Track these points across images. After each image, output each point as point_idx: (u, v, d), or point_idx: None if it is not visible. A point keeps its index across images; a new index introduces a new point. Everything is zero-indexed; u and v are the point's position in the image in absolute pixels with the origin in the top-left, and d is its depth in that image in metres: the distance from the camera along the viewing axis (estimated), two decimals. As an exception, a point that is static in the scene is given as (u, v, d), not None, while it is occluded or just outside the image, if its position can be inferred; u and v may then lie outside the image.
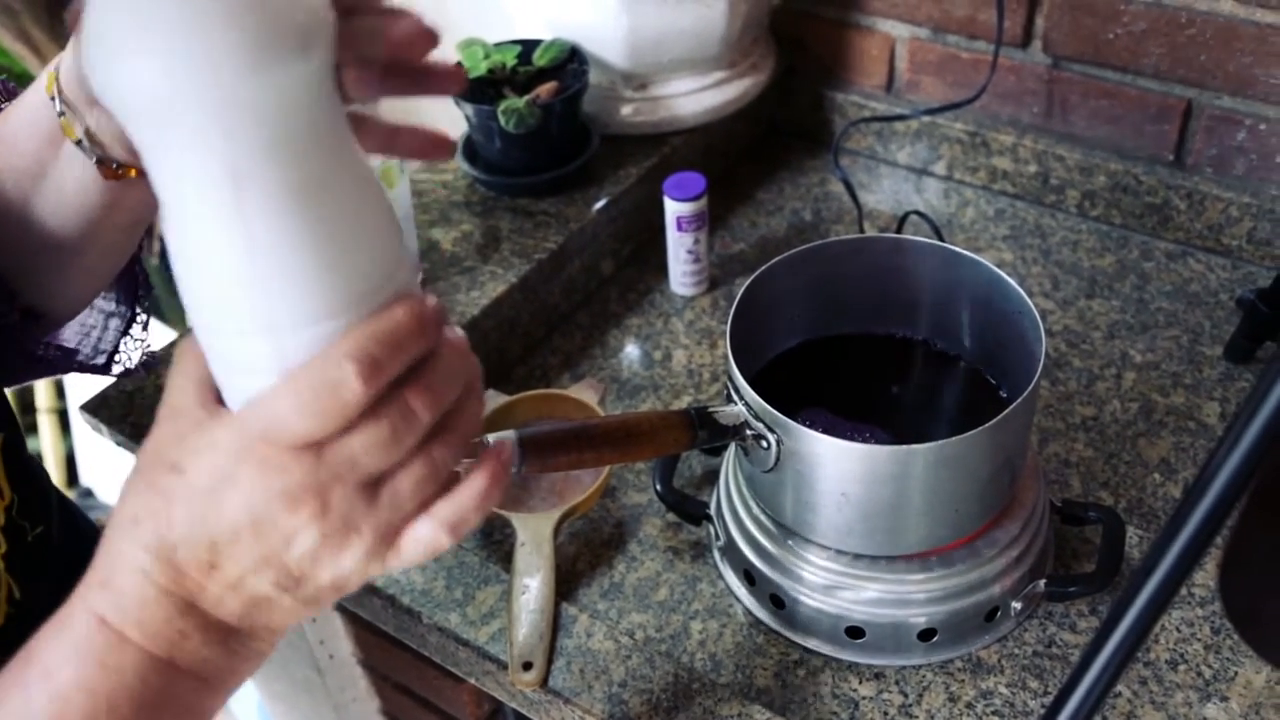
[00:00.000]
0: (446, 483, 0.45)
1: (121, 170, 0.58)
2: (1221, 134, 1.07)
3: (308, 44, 0.41)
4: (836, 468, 0.72)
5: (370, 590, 0.84)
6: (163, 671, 0.45)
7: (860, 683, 0.77)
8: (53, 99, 0.55)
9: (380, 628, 0.88)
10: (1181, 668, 0.77)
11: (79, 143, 0.56)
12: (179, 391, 0.45)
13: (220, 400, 0.45)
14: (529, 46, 1.11)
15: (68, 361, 0.69)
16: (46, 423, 1.98)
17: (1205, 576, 0.82)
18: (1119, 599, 0.43)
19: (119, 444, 0.90)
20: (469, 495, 0.45)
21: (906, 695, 0.77)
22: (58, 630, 0.45)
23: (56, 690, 0.44)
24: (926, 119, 1.19)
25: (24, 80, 2.03)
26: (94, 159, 0.56)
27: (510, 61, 1.09)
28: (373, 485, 0.43)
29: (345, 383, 0.40)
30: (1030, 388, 0.71)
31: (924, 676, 0.78)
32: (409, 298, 0.44)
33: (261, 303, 0.41)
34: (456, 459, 0.45)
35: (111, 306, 0.70)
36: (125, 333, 0.71)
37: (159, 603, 0.44)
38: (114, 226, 0.61)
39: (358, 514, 0.43)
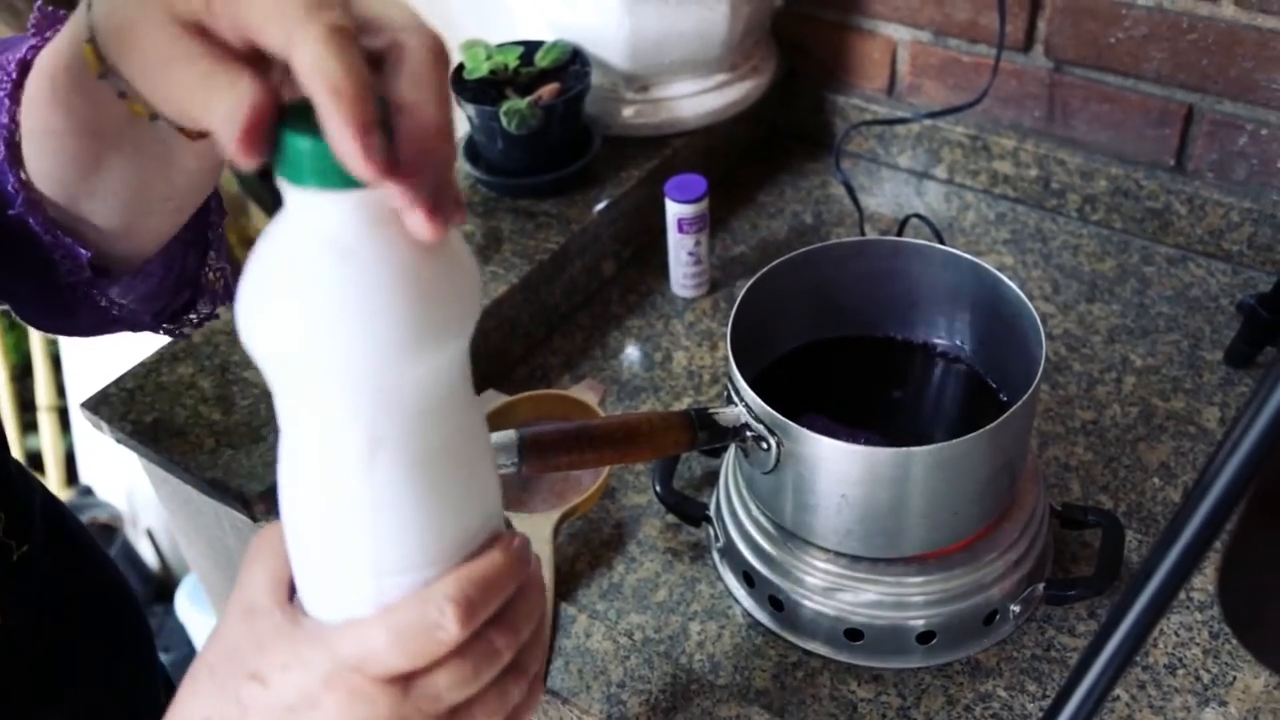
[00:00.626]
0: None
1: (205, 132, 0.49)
2: (1223, 139, 1.07)
3: (465, 327, 0.42)
4: (836, 470, 0.72)
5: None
6: None
7: (859, 685, 0.78)
8: (102, 77, 0.47)
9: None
10: (1180, 672, 0.77)
11: (152, 117, 0.49)
12: (258, 588, 0.45)
13: (293, 596, 0.45)
14: (531, 48, 1.11)
15: (140, 317, 0.64)
16: (46, 420, 1.98)
17: (1204, 581, 0.82)
18: (1118, 603, 0.43)
19: (119, 441, 0.90)
20: None
21: (905, 698, 0.77)
22: None
23: None
24: (928, 122, 1.19)
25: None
26: (175, 125, 0.49)
27: (512, 63, 1.09)
28: (451, 714, 0.43)
29: (444, 626, 0.41)
30: (1030, 391, 0.71)
31: (922, 679, 0.78)
32: (503, 538, 0.45)
33: (371, 550, 0.42)
34: (524, 698, 0.46)
35: (188, 235, 0.63)
36: (202, 262, 0.65)
37: None
38: (200, 177, 0.56)
39: None
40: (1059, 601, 0.80)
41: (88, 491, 2.01)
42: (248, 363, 0.92)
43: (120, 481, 1.96)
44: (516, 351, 1.04)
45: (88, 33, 0.45)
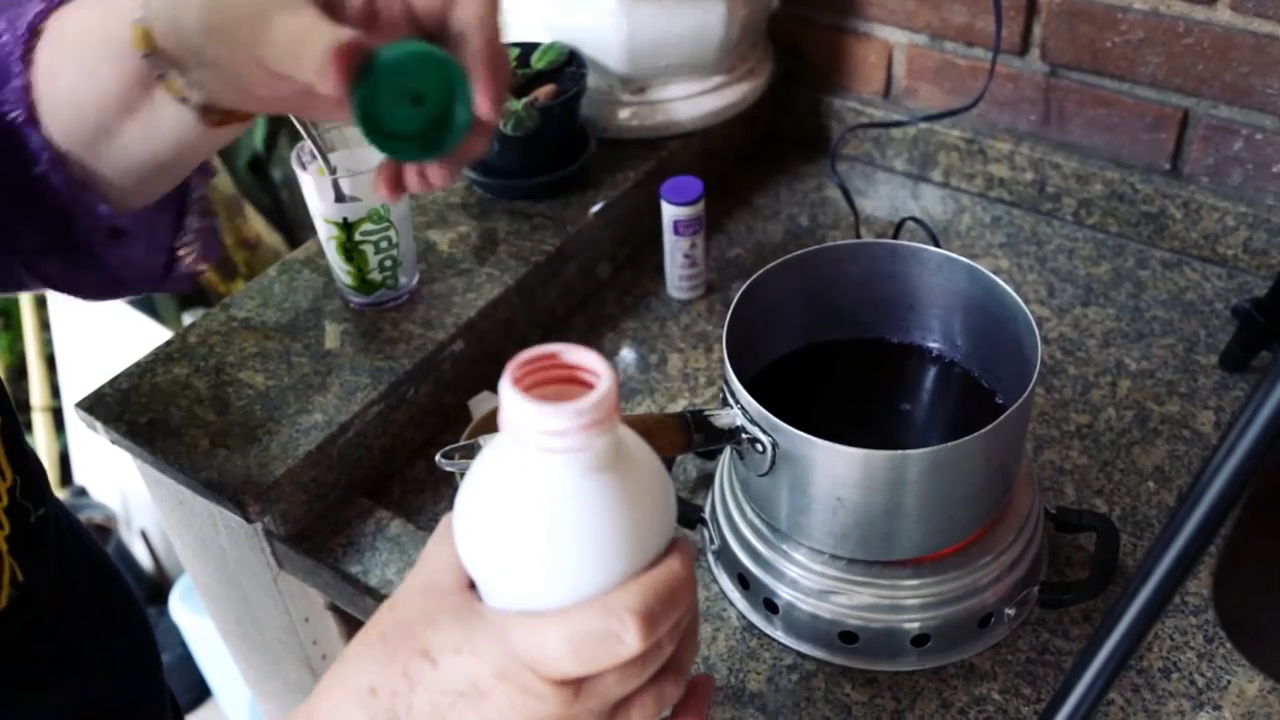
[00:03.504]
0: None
1: (226, 117, 0.56)
2: (1218, 143, 1.07)
3: (669, 531, 0.46)
4: (831, 472, 0.72)
5: (365, 590, 0.84)
6: None
7: (853, 688, 0.77)
8: (146, 57, 0.53)
9: (373, 629, 0.88)
10: (1174, 676, 0.77)
11: (183, 99, 0.54)
12: (441, 566, 0.45)
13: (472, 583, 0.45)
14: (527, 49, 1.11)
15: (142, 278, 0.67)
16: (41, 421, 1.98)
17: (1199, 585, 0.82)
18: (1112, 606, 0.43)
19: (114, 442, 0.90)
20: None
21: (899, 701, 0.77)
22: None
23: None
24: (924, 126, 1.19)
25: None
26: (197, 112, 0.55)
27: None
28: (612, 712, 0.44)
29: (624, 639, 0.41)
30: (1025, 394, 0.71)
31: (917, 682, 0.78)
32: (680, 544, 0.45)
33: (549, 553, 0.43)
34: (677, 696, 0.46)
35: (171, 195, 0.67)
36: (179, 224, 0.68)
37: None
38: (208, 150, 0.60)
39: None
40: (1054, 605, 0.80)
41: (82, 492, 2.00)
42: (243, 364, 0.92)
43: (114, 482, 1.96)
44: (511, 354, 1.03)
45: (139, 11, 0.51)
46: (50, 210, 0.59)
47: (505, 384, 0.42)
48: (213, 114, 0.55)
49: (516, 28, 1.17)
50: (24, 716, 0.61)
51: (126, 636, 0.72)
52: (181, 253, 0.67)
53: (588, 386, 0.43)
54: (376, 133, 0.50)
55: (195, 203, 0.67)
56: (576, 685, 0.42)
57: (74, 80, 0.55)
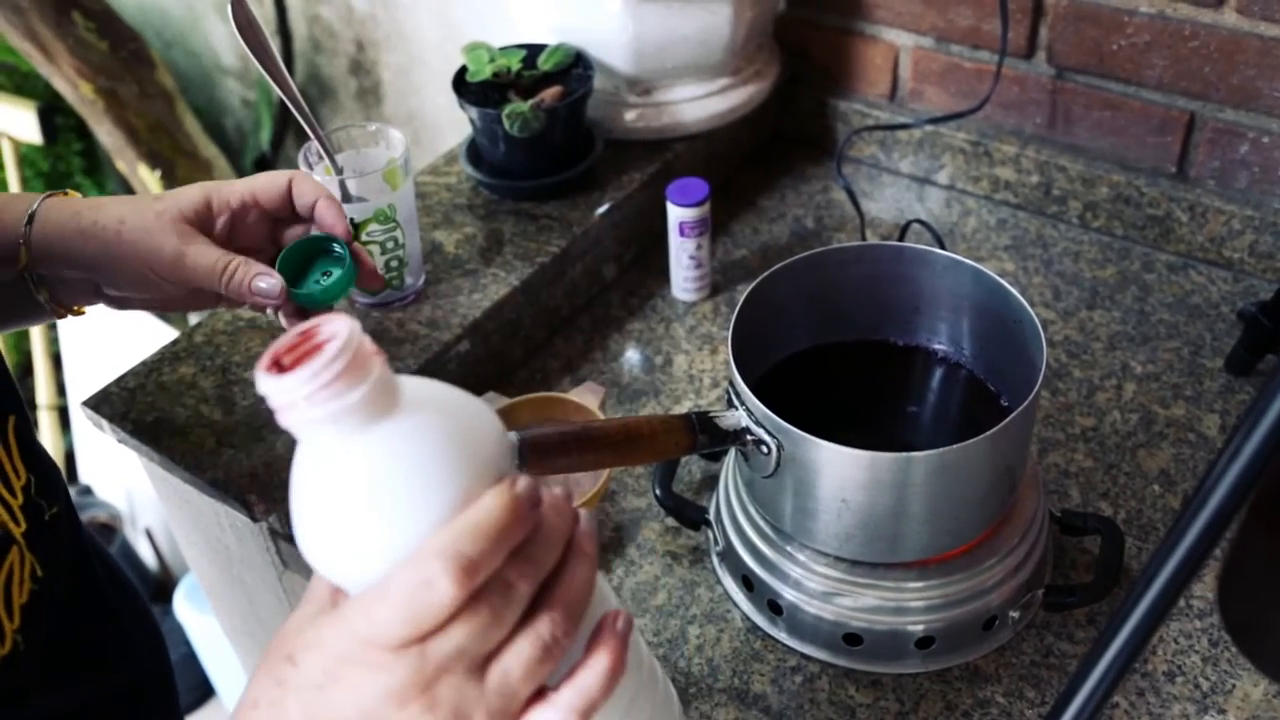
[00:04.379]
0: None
1: (73, 311, 0.75)
2: (1224, 146, 1.07)
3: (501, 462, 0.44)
4: (836, 474, 0.72)
5: (369, 591, 0.84)
6: None
7: (857, 690, 0.78)
8: (24, 275, 0.71)
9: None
10: (1179, 679, 0.77)
11: (43, 300, 0.73)
12: (315, 579, 0.46)
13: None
14: (534, 51, 1.12)
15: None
16: (46, 419, 1.98)
17: (1204, 588, 0.82)
18: (1117, 610, 0.43)
19: (120, 441, 0.90)
20: (593, 678, 0.44)
21: (903, 703, 0.77)
22: None
23: None
24: (929, 128, 1.19)
25: (29, 77, 2.05)
26: (50, 304, 0.73)
27: (515, 66, 1.09)
28: (481, 666, 0.42)
29: (435, 585, 0.40)
30: (1031, 397, 0.71)
31: (921, 684, 0.78)
32: (503, 479, 0.43)
33: (375, 545, 0.42)
34: (565, 631, 0.43)
35: None
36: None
37: None
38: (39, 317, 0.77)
39: (469, 701, 0.42)
40: (1058, 608, 0.80)
41: (87, 491, 2.01)
42: (249, 363, 0.92)
43: (119, 481, 1.96)
44: (517, 354, 1.04)
45: (23, 236, 0.69)
46: None
47: (257, 371, 0.41)
48: (63, 309, 0.75)
49: (523, 29, 1.17)
50: (55, 709, 0.62)
51: (138, 628, 0.73)
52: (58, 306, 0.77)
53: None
54: (307, 299, 0.73)
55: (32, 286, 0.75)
56: (419, 647, 0.41)
57: None
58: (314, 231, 0.75)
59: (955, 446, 0.69)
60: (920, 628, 0.76)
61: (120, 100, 1.91)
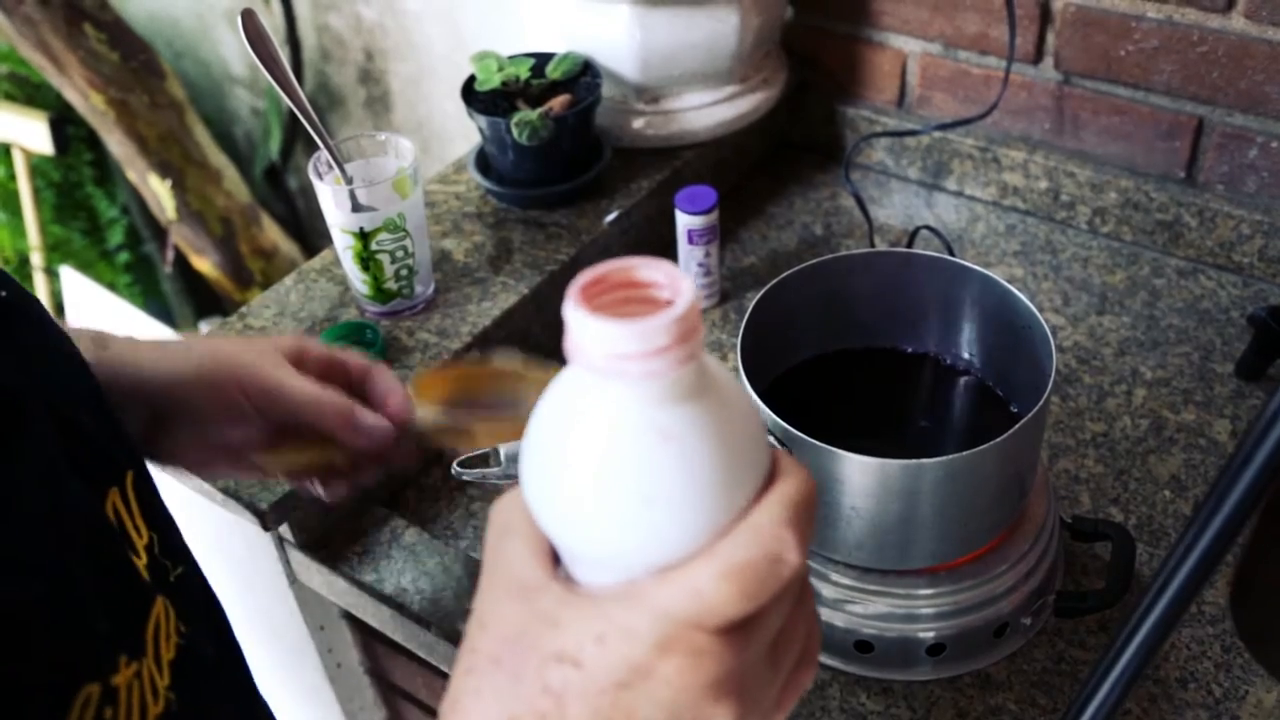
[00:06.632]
0: None
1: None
2: (1233, 151, 1.07)
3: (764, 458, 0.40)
4: (846, 482, 0.72)
5: (380, 599, 0.85)
6: None
7: (868, 697, 0.77)
8: None
9: (388, 636, 0.88)
10: (1192, 686, 0.77)
11: None
12: (516, 560, 0.39)
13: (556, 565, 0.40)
14: (542, 59, 1.12)
15: None
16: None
17: (1216, 594, 0.82)
18: (1129, 616, 0.42)
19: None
20: (818, 629, 0.41)
21: (915, 710, 0.76)
22: None
23: None
24: (938, 134, 1.19)
25: (41, 88, 2.06)
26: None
27: (524, 74, 1.09)
28: (773, 650, 0.39)
29: (786, 558, 0.36)
30: (1040, 403, 0.71)
31: (932, 692, 0.77)
32: (783, 456, 0.40)
33: (671, 523, 0.37)
34: (815, 621, 0.41)
35: None
36: None
37: None
38: None
39: (764, 686, 0.38)
40: (1070, 614, 0.79)
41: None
42: (259, 372, 0.92)
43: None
44: (526, 362, 1.04)
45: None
46: None
47: (572, 306, 0.36)
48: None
49: (532, 38, 1.18)
50: None
51: (250, 680, 0.70)
52: None
53: (665, 304, 0.37)
54: None
55: None
56: (745, 629, 0.37)
57: None
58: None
59: (965, 454, 0.69)
60: (931, 635, 0.76)
61: (131, 111, 1.92)
